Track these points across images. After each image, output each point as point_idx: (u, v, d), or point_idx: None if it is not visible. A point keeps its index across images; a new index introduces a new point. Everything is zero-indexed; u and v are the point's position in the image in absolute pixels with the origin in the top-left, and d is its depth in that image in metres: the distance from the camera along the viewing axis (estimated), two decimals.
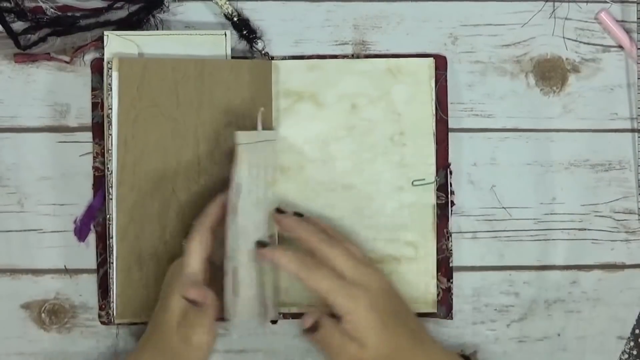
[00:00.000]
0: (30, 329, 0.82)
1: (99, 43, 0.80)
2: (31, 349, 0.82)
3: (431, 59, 0.83)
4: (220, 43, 0.81)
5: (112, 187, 0.79)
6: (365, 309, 0.72)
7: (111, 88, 0.78)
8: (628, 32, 0.85)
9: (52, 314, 0.83)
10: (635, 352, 0.85)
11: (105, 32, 0.79)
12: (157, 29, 0.82)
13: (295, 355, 0.84)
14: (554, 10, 0.85)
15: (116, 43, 0.80)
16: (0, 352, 0.82)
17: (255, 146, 0.78)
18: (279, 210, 0.78)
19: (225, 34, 0.81)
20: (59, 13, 0.81)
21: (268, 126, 0.81)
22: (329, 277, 0.73)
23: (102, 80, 0.80)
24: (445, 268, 0.83)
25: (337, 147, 0.83)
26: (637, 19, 0.84)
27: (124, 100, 0.78)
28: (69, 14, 0.81)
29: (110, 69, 0.78)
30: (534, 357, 0.84)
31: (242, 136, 0.76)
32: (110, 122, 0.79)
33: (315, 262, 0.74)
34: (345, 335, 0.72)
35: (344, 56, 0.84)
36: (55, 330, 0.83)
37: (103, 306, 0.82)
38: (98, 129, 0.81)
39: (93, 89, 0.82)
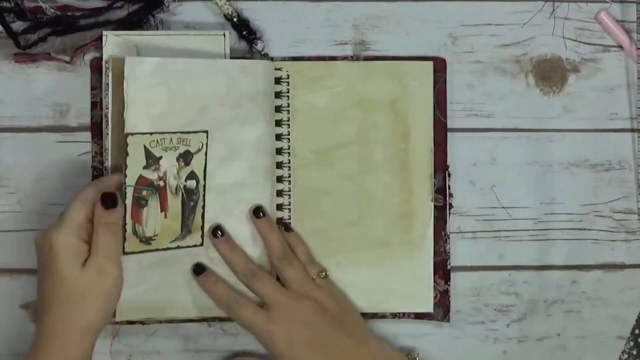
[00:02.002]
0: (30, 329, 0.82)
1: (99, 43, 0.80)
2: None
3: (430, 63, 0.83)
4: (220, 43, 0.81)
5: None
6: (282, 342, 0.77)
7: (108, 88, 0.78)
8: (628, 32, 0.85)
9: None
10: (635, 352, 0.85)
11: (104, 32, 0.79)
12: (157, 29, 0.82)
13: None
14: (553, 10, 0.85)
15: (114, 43, 0.79)
16: (0, 352, 0.82)
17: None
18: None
19: (225, 35, 0.81)
20: (59, 13, 0.81)
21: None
22: (250, 311, 0.77)
23: (102, 80, 0.80)
24: (442, 270, 0.83)
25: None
26: (637, 18, 0.84)
27: (117, 100, 0.78)
28: (69, 13, 0.81)
29: (108, 68, 0.78)
30: (534, 357, 0.84)
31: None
32: (107, 122, 0.79)
33: (239, 296, 0.78)
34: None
35: (344, 57, 0.84)
36: None
37: None
38: (97, 128, 0.81)
39: (92, 89, 0.82)
